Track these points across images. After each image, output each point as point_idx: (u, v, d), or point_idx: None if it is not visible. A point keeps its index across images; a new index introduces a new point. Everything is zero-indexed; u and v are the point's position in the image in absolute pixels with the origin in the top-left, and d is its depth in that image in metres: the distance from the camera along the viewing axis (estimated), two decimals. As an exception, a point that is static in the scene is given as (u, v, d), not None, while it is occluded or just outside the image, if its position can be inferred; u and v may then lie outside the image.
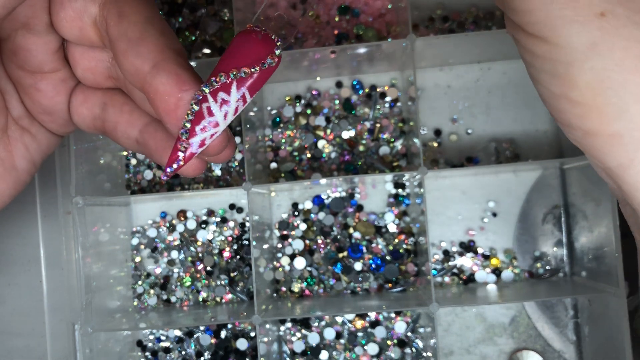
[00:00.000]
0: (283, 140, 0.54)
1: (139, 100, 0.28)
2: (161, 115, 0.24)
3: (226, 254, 0.54)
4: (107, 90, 0.29)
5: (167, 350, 0.53)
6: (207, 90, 0.24)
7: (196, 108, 0.24)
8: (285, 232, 0.53)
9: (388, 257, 0.53)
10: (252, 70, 0.24)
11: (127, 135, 0.29)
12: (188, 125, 0.24)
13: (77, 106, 0.29)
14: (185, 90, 0.24)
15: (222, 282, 0.54)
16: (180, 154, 0.24)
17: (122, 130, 0.29)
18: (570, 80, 0.21)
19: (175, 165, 0.25)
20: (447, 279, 0.52)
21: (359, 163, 0.53)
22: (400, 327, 0.52)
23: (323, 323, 0.53)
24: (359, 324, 0.52)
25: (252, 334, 0.53)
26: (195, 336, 0.53)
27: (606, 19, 0.20)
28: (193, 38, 0.54)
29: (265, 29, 0.24)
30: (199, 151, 0.25)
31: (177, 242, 0.54)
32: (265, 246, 0.51)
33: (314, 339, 0.52)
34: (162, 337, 0.54)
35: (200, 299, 0.54)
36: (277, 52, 0.24)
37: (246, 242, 0.54)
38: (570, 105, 0.22)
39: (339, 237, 0.53)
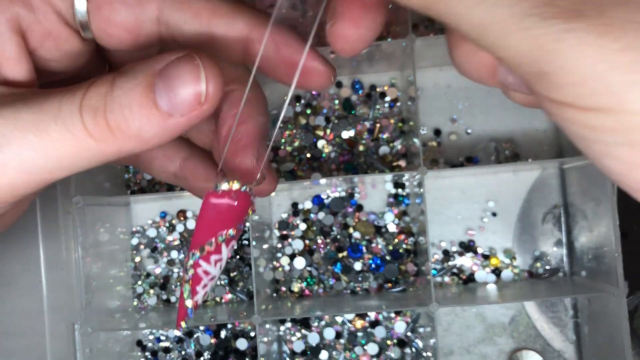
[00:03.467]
0: (283, 140, 0.54)
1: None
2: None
3: (226, 254, 0.54)
4: None
5: (167, 350, 0.53)
6: (198, 256, 0.24)
7: (191, 273, 0.24)
8: (285, 232, 0.53)
9: (388, 257, 0.53)
10: (239, 228, 0.24)
11: (164, 170, 0.28)
12: (188, 287, 0.24)
13: None
14: None
15: (222, 282, 0.54)
16: (190, 310, 0.25)
17: (158, 166, 0.28)
18: None
19: (187, 319, 0.25)
20: (447, 278, 0.52)
21: (359, 162, 0.53)
22: (400, 327, 0.52)
23: (323, 323, 0.53)
24: (359, 323, 0.52)
25: (252, 334, 0.53)
26: (195, 336, 0.53)
27: None
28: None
29: (234, 191, 0.24)
30: (202, 293, 0.25)
31: (176, 242, 0.54)
32: (265, 246, 0.51)
33: (313, 338, 0.52)
34: (162, 337, 0.54)
35: (200, 299, 0.54)
36: (253, 201, 0.24)
37: (246, 242, 0.54)
38: None
39: (338, 237, 0.53)
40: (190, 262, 0.24)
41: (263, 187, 0.26)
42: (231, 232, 0.24)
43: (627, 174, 0.19)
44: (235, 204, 0.23)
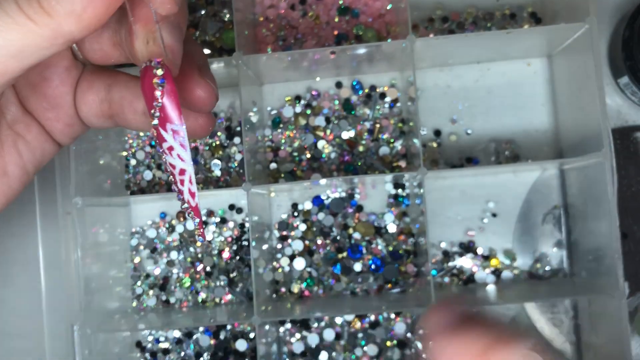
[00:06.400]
0: (283, 141, 0.54)
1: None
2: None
3: (225, 255, 0.54)
4: (111, 72, 0.29)
5: (166, 351, 0.53)
6: (158, 149, 0.25)
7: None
8: (284, 233, 0.53)
9: (388, 258, 0.53)
10: (157, 105, 0.24)
11: (134, 110, 0.29)
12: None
13: (83, 94, 0.29)
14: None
15: (222, 283, 0.53)
16: (185, 207, 0.26)
17: (128, 106, 0.29)
18: None
19: (196, 222, 0.26)
20: (446, 279, 0.52)
21: (359, 163, 0.53)
22: (400, 328, 0.52)
23: (322, 324, 0.53)
24: (359, 324, 0.52)
25: (252, 335, 0.53)
26: (194, 337, 0.53)
27: None
28: (192, 38, 0.54)
29: (146, 63, 0.24)
30: (187, 191, 0.26)
31: (176, 243, 0.54)
32: (265, 247, 0.51)
33: (313, 340, 0.52)
34: (161, 338, 0.53)
35: (200, 300, 0.54)
36: (154, 63, 0.24)
37: (246, 243, 0.54)
38: None
39: (338, 237, 0.53)
40: (166, 159, 0.25)
41: (199, 96, 0.26)
42: (155, 113, 0.24)
43: None
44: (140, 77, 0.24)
